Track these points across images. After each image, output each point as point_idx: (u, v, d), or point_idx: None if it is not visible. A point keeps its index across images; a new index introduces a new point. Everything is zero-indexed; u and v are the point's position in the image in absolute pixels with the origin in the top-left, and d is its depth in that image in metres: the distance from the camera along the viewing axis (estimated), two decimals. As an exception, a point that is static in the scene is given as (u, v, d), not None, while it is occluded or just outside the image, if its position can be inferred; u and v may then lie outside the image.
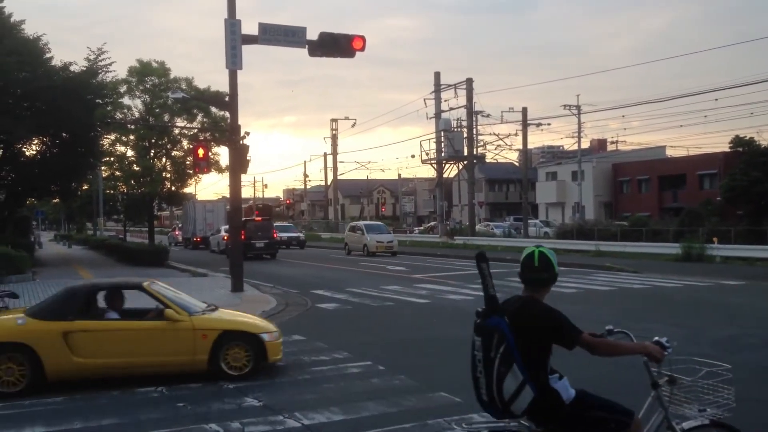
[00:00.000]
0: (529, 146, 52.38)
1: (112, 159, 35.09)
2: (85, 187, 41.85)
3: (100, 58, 28.82)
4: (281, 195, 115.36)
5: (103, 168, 37.08)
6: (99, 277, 22.06)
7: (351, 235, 37.50)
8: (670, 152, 63.92)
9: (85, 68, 28.53)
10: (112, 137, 34.42)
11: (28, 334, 7.81)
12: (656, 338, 3.92)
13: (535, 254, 3.86)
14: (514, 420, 3.78)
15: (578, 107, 50.81)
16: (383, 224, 42.96)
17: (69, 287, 8.86)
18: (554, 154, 72.43)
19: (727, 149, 44.89)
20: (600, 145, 73.84)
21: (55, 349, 7.78)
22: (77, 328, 7.94)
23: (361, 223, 40.09)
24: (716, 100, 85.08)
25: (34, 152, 30.64)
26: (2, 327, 8.04)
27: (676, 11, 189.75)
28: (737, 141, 41.15)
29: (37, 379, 7.72)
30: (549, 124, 65.22)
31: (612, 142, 70.28)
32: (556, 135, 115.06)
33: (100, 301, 8.73)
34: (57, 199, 48.26)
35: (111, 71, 30.05)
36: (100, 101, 30.08)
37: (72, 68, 28.23)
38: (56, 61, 28.33)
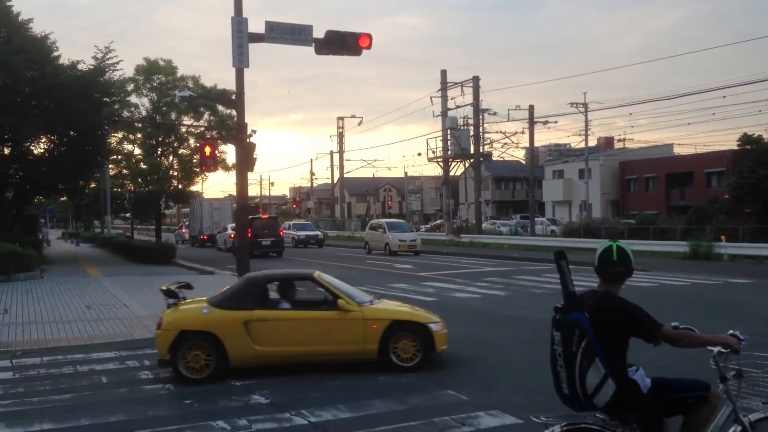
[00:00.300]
0: (536, 144, 52.31)
1: (119, 157, 35.17)
2: (93, 185, 41.99)
3: (107, 57, 28.95)
4: (288, 193, 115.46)
5: (110, 166, 37.18)
6: (106, 275, 22.15)
7: (372, 233, 35.91)
8: (677, 150, 63.74)
9: (92, 67, 28.65)
10: (120, 135, 34.52)
11: (213, 323, 8.14)
12: (731, 331, 4.06)
13: (614, 248, 3.94)
14: (591, 414, 3.87)
15: (585, 105, 50.74)
16: (405, 222, 41.80)
17: (248, 277, 9.20)
18: (561, 152, 72.30)
19: (734, 147, 44.73)
20: (607, 143, 73.64)
21: (237, 337, 8.09)
22: (257, 317, 8.23)
23: (383, 220, 38.18)
24: (724, 97, 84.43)
25: (42, 150, 30.79)
26: (189, 316, 8.33)
27: (684, 9, 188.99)
28: (745, 139, 40.99)
29: (222, 366, 8.04)
30: (556, 122, 64.82)
31: (619, 140, 70.16)
32: (563, 133, 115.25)
33: (273, 291, 8.95)
34: (65, 197, 48.57)
35: (118, 70, 30.23)
36: (108, 99, 30.21)
37: (79, 67, 28.37)
38: (64, 60, 28.52)
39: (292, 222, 49.72)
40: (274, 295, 8.91)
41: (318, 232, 45.77)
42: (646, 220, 39.20)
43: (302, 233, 42.56)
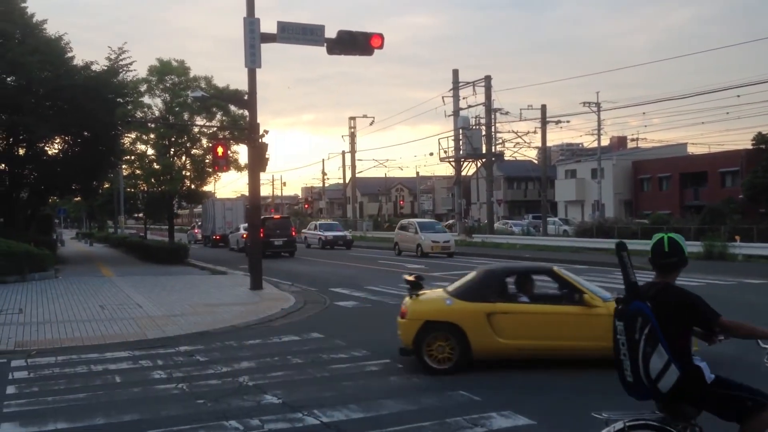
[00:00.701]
0: (548, 144, 52.15)
1: (132, 157, 35.38)
2: (106, 185, 42.27)
3: (120, 57, 29.15)
4: (300, 193, 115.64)
5: (123, 166, 37.40)
6: (120, 275, 22.28)
7: (402, 233, 34.07)
8: (691, 149, 63.33)
9: (106, 67, 28.84)
10: (133, 136, 34.72)
11: (457, 314, 8.21)
12: None
13: (665, 240, 4.04)
14: (651, 412, 3.97)
15: (598, 104, 50.52)
16: (437, 222, 40.02)
17: (487, 270, 9.17)
18: (573, 152, 72.04)
19: (749, 146, 44.37)
20: (620, 142, 73.31)
21: (480, 329, 8.12)
22: (499, 309, 8.23)
23: (414, 220, 36.49)
24: (738, 96, 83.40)
25: (57, 151, 31.04)
26: (434, 307, 8.40)
27: (698, 6, 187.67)
28: (760, 138, 40.69)
29: (465, 358, 8.11)
30: (568, 122, 64.89)
31: (632, 140, 69.87)
32: (576, 132, 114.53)
33: (510, 285, 8.91)
34: (78, 198, 48.81)
35: (131, 70, 30.42)
36: (121, 100, 30.41)
37: (93, 67, 28.58)
38: (78, 60, 28.77)
39: (318, 222, 48.13)
40: (511, 288, 8.83)
41: (346, 233, 43.24)
42: (659, 220, 38.98)
43: (329, 234, 40.53)
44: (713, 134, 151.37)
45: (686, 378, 3.80)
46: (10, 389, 7.78)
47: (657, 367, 3.73)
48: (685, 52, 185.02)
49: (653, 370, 3.74)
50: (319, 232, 41.20)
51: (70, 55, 28.30)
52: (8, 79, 26.18)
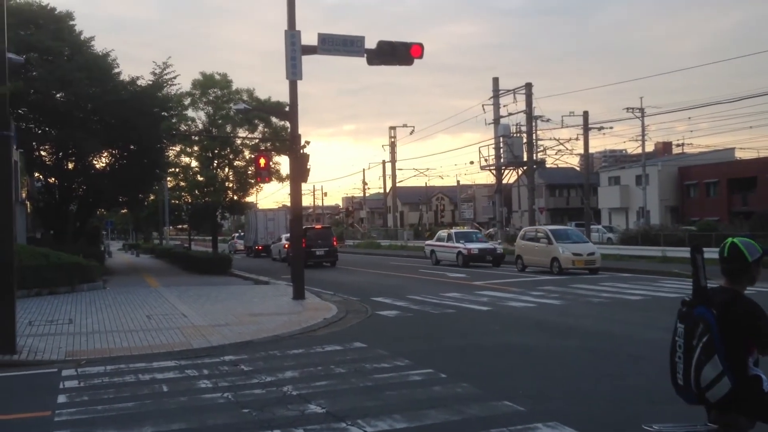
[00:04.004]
0: (591, 150, 51.53)
1: (177, 170, 36.09)
2: (152, 197, 43.11)
3: (165, 72, 29.73)
4: (340, 203, 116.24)
5: (168, 178, 38.15)
6: (165, 285, 22.65)
7: (528, 245, 27.14)
8: (739, 154, 61.92)
9: (151, 82, 29.48)
10: (177, 149, 35.43)
11: None
12: None
13: (726, 245, 3.91)
14: (703, 423, 3.87)
15: (642, 110, 49.75)
16: (575, 229, 30.71)
17: None
18: (617, 158, 70.98)
19: (800, 150, 43.10)
20: (665, 148, 72.06)
21: None
22: None
23: (546, 228, 29.24)
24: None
25: (104, 164, 31.79)
26: None
27: (746, 10, 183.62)
28: (811, 141, 39.48)
29: None
30: (611, 128, 63.95)
31: (678, 145, 68.55)
32: (619, 139, 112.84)
33: None
34: (125, 210, 49.91)
35: (176, 84, 30.99)
36: (166, 114, 31.03)
37: (139, 82, 29.24)
38: (124, 76, 29.42)
39: (452, 231, 35.61)
40: None
41: (495, 245, 32.70)
42: (707, 226, 38.12)
43: (473, 246, 30.64)
44: (762, 138, 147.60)
45: (742, 388, 3.69)
46: (62, 398, 7.95)
47: (709, 377, 3.65)
48: (732, 55, 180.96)
49: (704, 379, 3.66)
50: (458, 245, 30.98)
51: (116, 71, 29.05)
52: (58, 95, 26.94)
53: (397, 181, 67.53)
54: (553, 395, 7.63)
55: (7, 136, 10.75)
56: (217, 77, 35.77)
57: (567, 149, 49.86)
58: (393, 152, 65.45)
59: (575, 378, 8.36)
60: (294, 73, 16.99)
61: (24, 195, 28.59)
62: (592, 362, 9.53)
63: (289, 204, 22.74)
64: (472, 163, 74.87)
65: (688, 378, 3.73)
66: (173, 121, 32.80)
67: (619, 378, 8.30)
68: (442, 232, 35.22)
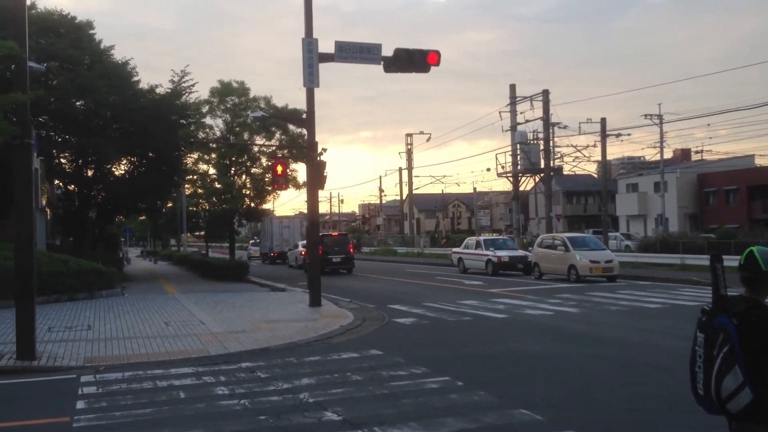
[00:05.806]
0: (609, 157, 51.16)
1: (194, 177, 36.29)
2: (170, 204, 43.40)
3: (183, 80, 29.98)
4: (357, 210, 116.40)
5: (186, 186, 38.37)
6: (183, 292, 22.77)
7: (544, 253, 26.91)
8: (759, 161, 61.35)
9: (169, 90, 29.73)
10: (195, 156, 35.65)
11: None
12: None
13: (745, 253, 3.86)
14: None
15: (660, 116, 49.41)
16: (592, 237, 30.25)
17: None
18: (635, 165, 70.53)
19: (822, 157, 42.62)
20: (684, 155, 71.51)
21: None
22: None
23: (562, 235, 28.99)
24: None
25: (123, 172, 32.07)
26: None
27: (764, 16, 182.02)
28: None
29: None
30: (629, 135, 63.74)
31: (696, 152, 68.02)
32: (637, 145, 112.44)
33: None
34: (143, 216, 50.24)
35: (194, 92, 31.22)
36: (184, 121, 31.25)
37: (157, 90, 29.50)
38: (143, 84, 29.72)
39: (481, 237, 34.59)
40: None
41: (526, 253, 30.57)
42: (726, 234, 37.70)
43: (504, 254, 29.48)
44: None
45: (763, 398, 3.62)
46: (80, 404, 8.01)
47: (730, 387, 3.59)
48: (752, 61, 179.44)
49: (725, 390, 3.60)
50: (487, 252, 29.98)
51: (135, 79, 29.34)
52: (78, 103, 27.25)
53: (414, 188, 67.59)
54: (571, 404, 7.58)
55: (27, 144, 10.89)
56: (235, 85, 36.00)
57: (584, 156, 49.65)
58: (409, 159, 65.50)
59: (593, 386, 8.29)
60: (311, 81, 17.06)
61: (44, 202, 28.91)
62: (610, 371, 9.45)
63: (305, 211, 22.81)
64: (488, 170, 75.01)
65: (709, 388, 3.68)
66: (191, 128, 33.02)
67: (637, 386, 8.23)
68: (471, 239, 34.11)
